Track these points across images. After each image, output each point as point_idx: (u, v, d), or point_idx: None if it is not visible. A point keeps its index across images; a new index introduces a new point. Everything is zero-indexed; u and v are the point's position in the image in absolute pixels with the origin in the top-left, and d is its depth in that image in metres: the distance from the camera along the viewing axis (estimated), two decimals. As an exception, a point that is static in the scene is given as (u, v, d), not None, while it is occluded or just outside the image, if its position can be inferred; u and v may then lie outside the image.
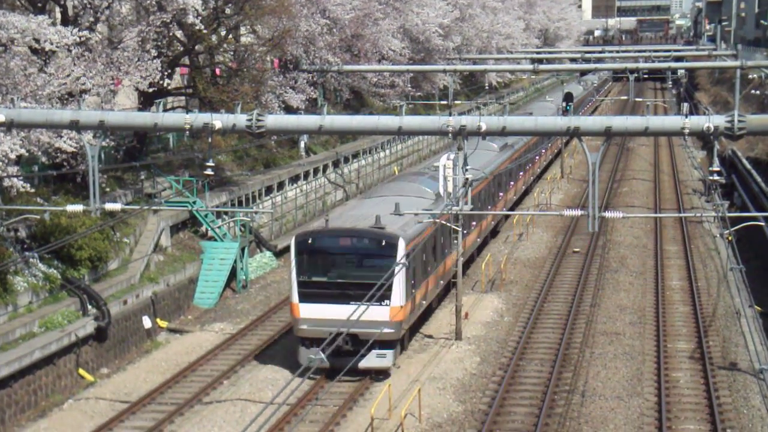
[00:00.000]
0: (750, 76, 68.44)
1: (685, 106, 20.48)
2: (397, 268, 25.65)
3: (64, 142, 30.11)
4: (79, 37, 31.08)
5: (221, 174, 42.05)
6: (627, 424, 24.60)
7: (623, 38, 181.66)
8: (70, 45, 31.30)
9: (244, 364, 29.31)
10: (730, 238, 27.15)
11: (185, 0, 34.67)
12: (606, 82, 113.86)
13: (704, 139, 68.60)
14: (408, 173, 41.12)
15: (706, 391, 26.66)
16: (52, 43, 30.05)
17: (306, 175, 49.32)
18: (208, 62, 42.19)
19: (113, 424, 24.98)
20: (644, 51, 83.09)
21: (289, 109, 44.25)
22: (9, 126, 20.66)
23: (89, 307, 29.26)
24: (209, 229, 37.85)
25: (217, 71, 42.93)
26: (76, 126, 20.01)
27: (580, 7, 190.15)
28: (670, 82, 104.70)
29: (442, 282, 33.39)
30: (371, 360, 27.21)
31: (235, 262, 36.75)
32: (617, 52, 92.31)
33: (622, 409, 25.53)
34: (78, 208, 21.60)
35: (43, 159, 32.57)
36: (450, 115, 19.72)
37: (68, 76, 31.31)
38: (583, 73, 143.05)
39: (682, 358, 29.49)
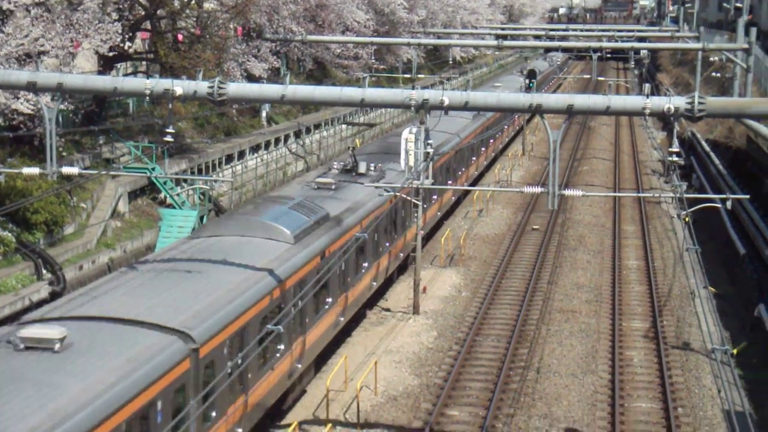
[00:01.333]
0: (711, 59, 68.89)
1: (647, 86, 20.51)
2: None
3: (21, 103, 29.68)
4: (39, -3, 30.57)
5: (181, 141, 41.66)
6: (580, 401, 24.81)
7: (588, 17, 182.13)
8: (28, 5, 30.76)
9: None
10: (687, 219, 27.33)
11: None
12: (564, 63, 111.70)
13: (665, 120, 69.16)
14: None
15: (659, 370, 26.94)
16: (10, 2, 29.51)
17: (267, 144, 49.02)
18: (170, 27, 41.65)
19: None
20: (608, 30, 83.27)
21: (251, 78, 43.91)
22: (-36, 86, 20.26)
23: (44, 271, 28.92)
24: (168, 196, 37.51)
25: (179, 37, 42.44)
26: (33, 88, 19.60)
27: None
28: (633, 63, 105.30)
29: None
30: None
31: (193, 230, 36.49)
32: (581, 30, 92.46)
33: (576, 386, 25.74)
34: (34, 171, 21.22)
35: (0, 120, 32.05)
36: (413, 88, 19.57)
37: (26, 36, 30.78)
38: (547, 50, 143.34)
39: (636, 337, 29.77)
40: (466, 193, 48.09)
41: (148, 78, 19.47)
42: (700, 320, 30.71)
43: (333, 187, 29.46)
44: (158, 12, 40.19)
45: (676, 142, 20.38)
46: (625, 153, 67.00)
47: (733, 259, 37.45)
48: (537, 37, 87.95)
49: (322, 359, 25.94)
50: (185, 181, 38.04)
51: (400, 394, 24.93)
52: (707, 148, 53.12)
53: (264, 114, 51.59)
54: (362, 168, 31.91)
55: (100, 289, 18.51)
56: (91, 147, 36.94)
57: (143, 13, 39.88)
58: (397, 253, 32.83)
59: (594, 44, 61.88)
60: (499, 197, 48.96)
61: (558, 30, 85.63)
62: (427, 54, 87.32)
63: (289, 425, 21.55)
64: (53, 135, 19.86)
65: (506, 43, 63.79)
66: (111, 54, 35.70)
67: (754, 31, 47.21)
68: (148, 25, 41.03)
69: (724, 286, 35.19)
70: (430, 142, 28.52)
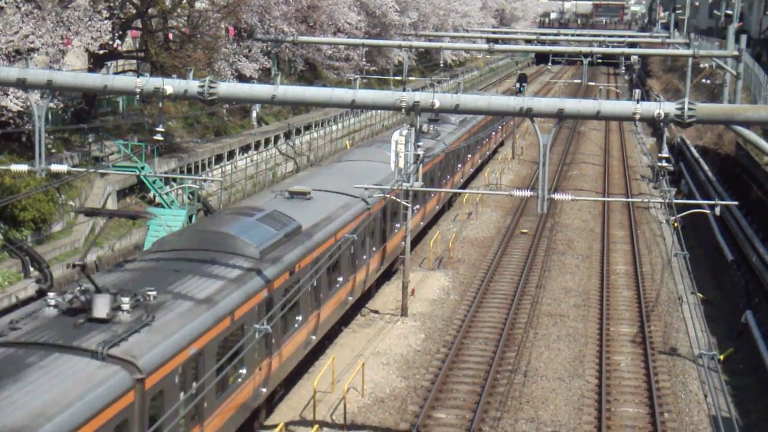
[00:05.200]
0: (701, 65, 69.15)
1: (637, 92, 20.57)
2: None
3: (10, 100, 29.55)
4: (29, -6, 30.45)
5: (171, 140, 41.56)
6: (567, 405, 24.82)
7: (579, 22, 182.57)
8: (19, 2, 30.65)
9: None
10: (675, 224, 27.43)
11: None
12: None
13: (654, 125, 69.28)
14: None
15: (646, 375, 26.99)
16: (0, -1, 29.41)
17: (257, 145, 48.94)
18: (160, 26, 41.57)
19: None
20: (599, 36, 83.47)
21: (242, 78, 43.84)
22: (-47, 81, 20.13)
23: (31, 269, 28.80)
24: (157, 195, 37.41)
25: (170, 36, 42.36)
26: (23, 84, 19.55)
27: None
28: (623, 68, 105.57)
29: None
30: None
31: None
32: (572, 35, 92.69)
33: (563, 390, 25.76)
34: (23, 167, 21.16)
35: (-12, 117, 31.91)
36: (404, 90, 19.57)
37: (16, 33, 30.67)
38: (539, 56, 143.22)
39: (624, 342, 29.81)
40: (449, 203, 47.95)
41: (138, 77, 19.41)
42: (688, 326, 30.77)
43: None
44: (149, 11, 40.11)
45: (665, 147, 20.38)
46: (615, 158, 67.14)
47: (721, 265, 37.55)
48: (528, 42, 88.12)
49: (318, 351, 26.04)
50: (174, 180, 37.94)
51: (387, 396, 24.92)
52: (696, 154, 53.24)
53: (254, 114, 51.51)
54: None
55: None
56: (80, 145, 36.82)
57: (134, 11, 39.79)
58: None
59: (585, 49, 62.07)
60: (489, 200, 48.98)
61: (549, 35, 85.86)
62: (418, 57, 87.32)
63: (275, 426, 21.51)
64: (42, 132, 19.81)
65: (497, 46, 63.89)
66: (101, 52, 35.59)
67: (744, 38, 47.38)
68: (139, 23, 40.94)
69: (712, 291, 35.29)
70: (420, 144, 28.48)
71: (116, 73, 40.91)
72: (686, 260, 27.21)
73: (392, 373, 26.43)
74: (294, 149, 53.50)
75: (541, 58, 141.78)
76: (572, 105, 19.07)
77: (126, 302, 16.42)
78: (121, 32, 38.33)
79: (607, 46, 65.22)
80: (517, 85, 65.60)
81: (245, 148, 47.54)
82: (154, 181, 37.16)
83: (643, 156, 67.94)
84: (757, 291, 32.02)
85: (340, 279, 27.18)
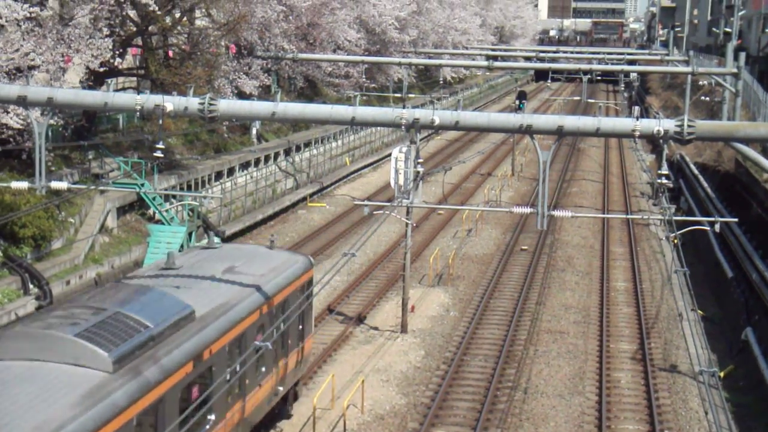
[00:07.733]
0: (700, 83, 69.26)
1: (637, 109, 20.61)
2: None
3: (11, 118, 29.61)
4: (30, 12, 30.54)
5: (171, 157, 41.61)
6: (567, 422, 24.76)
7: (578, 39, 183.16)
8: (20, 20, 30.75)
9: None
10: (675, 241, 27.41)
11: (140, -21, 34.24)
12: None
13: (654, 142, 69.43)
14: None
15: (646, 392, 26.92)
16: (1, 17, 29.48)
17: (257, 162, 49.00)
18: (161, 44, 41.67)
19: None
20: (598, 53, 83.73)
21: (242, 95, 43.93)
22: (-46, 99, 20.17)
23: (31, 286, 28.78)
24: (157, 212, 37.42)
25: (170, 53, 42.45)
26: (23, 102, 19.58)
27: (536, 6, 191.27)
28: (623, 85, 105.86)
29: None
30: None
31: (182, 246, 36.39)
32: (571, 52, 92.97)
33: (563, 407, 25.70)
34: (23, 185, 21.16)
35: (-12, 134, 31.95)
36: (404, 107, 19.62)
37: (17, 50, 30.75)
38: (538, 74, 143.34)
39: (624, 359, 29.76)
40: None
41: (138, 94, 19.46)
42: (688, 342, 30.72)
43: None
44: (149, 28, 40.20)
45: (665, 164, 20.49)
46: (614, 175, 67.19)
47: (720, 282, 37.52)
48: (527, 59, 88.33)
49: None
50: (174, 197, 37.95)
51: (387, 413, 24.85)
52: (696, 171, 53.27)
53: (254, 131, 51.59)
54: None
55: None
56: (80, 162, 36.86)
57: (134, 29, 39.89)
58: None
59: (584, 66, 62.24)
60: (488, 217, 48.99)
61: (548, 52, 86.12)
62: (418, 74, 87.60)
63: (275, 443, 21.43)
64: (42, 149, 19.82)
65: (497, 64, 64.08)
66: (102, 69, 35.68)
67: (743, 56, 47.52)
68: (139, 41, 41.05)
69: (712, 308, 35.24)
70: (420, 161, 28.56)
71: (116, 91, 41.00)
72: (686, 277, 27.24)
73: (392, 389, 26.38)
74: (294, 166, 53.57)
75: (541, 75, 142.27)
76: (572, 122, 19.09)
77: None
78: (121, 50, 38.42)
79: (607, 64, 65.41)
80: (517, 102, 65.79)
81: (245, 165, 47.59)
82: (154, 198, 37.18)
83: (642, 173, 67.98)
84: (757, 308, 31.97)
85: None
